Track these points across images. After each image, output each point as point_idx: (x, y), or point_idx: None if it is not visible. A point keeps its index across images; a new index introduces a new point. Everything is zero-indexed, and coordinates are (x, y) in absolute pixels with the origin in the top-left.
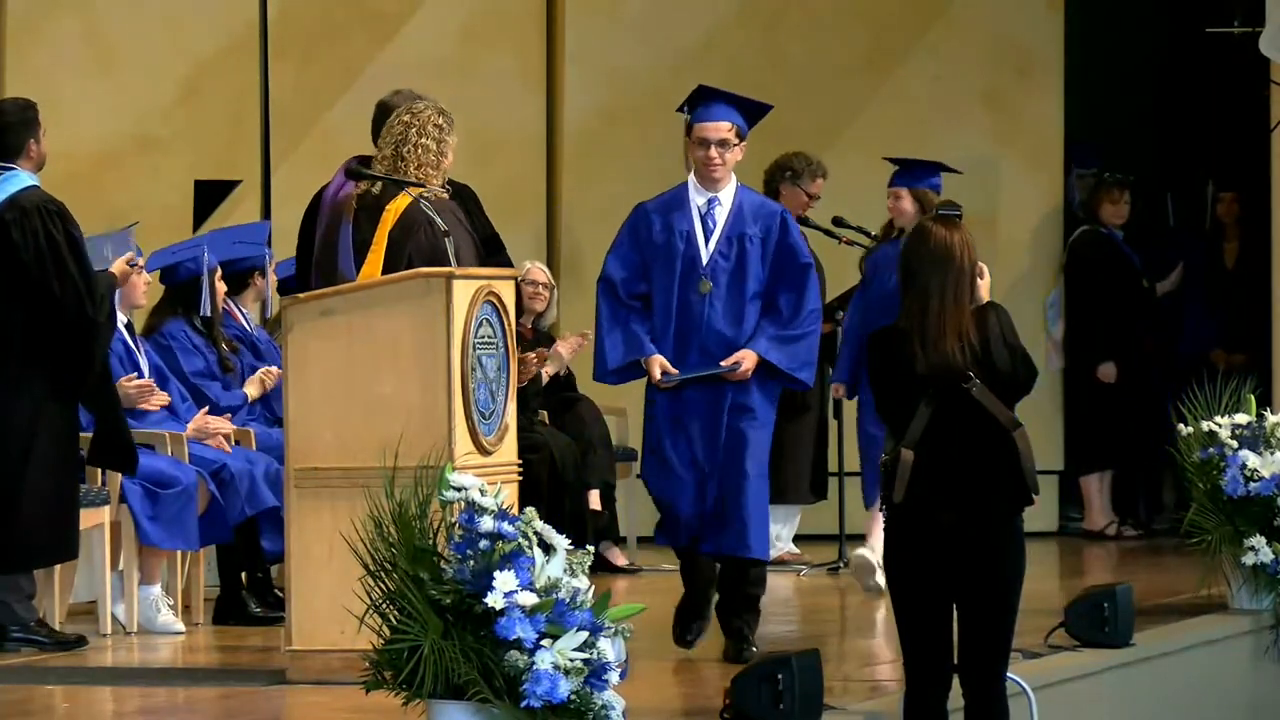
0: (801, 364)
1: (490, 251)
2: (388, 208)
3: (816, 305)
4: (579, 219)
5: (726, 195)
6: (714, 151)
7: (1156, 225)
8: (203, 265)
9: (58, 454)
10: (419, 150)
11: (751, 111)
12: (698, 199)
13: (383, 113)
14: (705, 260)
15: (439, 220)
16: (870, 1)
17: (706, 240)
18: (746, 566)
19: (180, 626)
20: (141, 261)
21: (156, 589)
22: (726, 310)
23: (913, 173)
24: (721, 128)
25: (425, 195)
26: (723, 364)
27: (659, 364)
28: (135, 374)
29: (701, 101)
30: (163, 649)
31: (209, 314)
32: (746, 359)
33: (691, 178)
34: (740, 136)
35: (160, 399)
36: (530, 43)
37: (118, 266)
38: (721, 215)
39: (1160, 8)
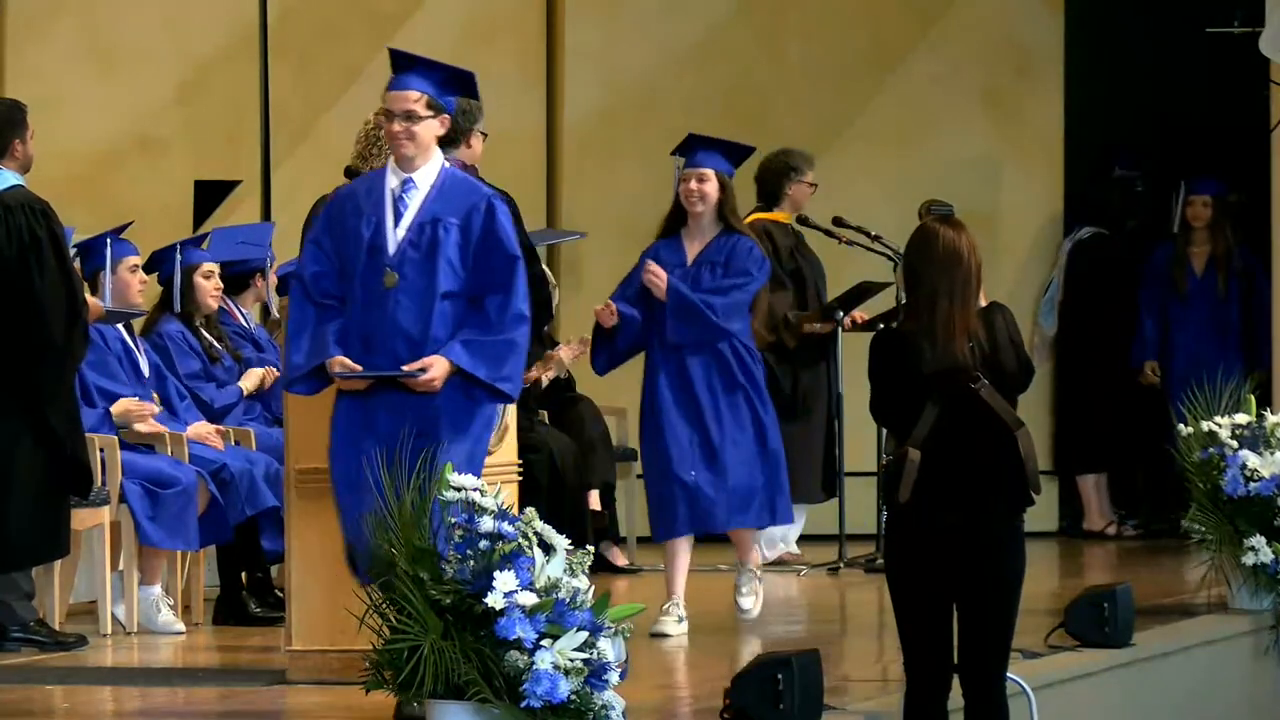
0: (504, 374)
1: (527, 263)
2: None
3: (523, 307)
4: (579, 219)
5: (425, 176)
6: (399, 125)
7: (1158, 226)
8: (175, 263)
9: (47, 451)
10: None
11: (454, 82)
12: (392, 180)
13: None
14: (392, 250)
15: None
16: (870, 1)
17: (395, 226)
18: None
19: (180, 626)
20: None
21: (157, 589)
22: (415, 307)
23: (718, 153)
24: (409, 97)
25: None
26: (405, 367)
27: (339, 361)
28: (135, 395)
29: (394, 69)
30: (163, 649)
31: (179, 309)
32: (435, 365)
33: (391, 158)
34: (436, 109)
35: (153, 412)
36: (530, 43)
37: (93, 301)
38: (415, 199)
39: (1160, 8)
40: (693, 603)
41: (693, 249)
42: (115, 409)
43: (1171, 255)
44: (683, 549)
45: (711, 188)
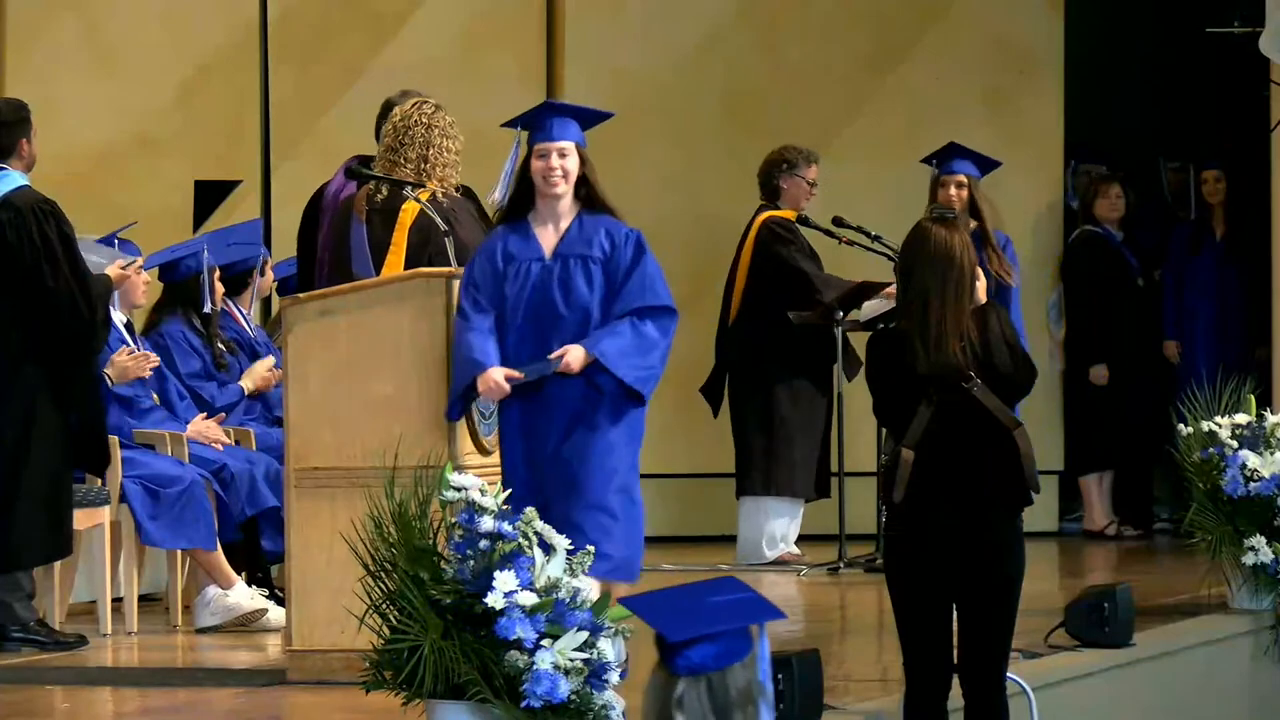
0: None
1: None
2: (403, 209)
3: None
4: None
5: None
6: None
7: (1156, 216)
8: (203, 262)
9: (51, 452)
10: (444, 153)
11: None
12: None
13: (388, 111)
14: None
15: (439, 221)
16: (870, 1)
17: None
18: None
19: (260, 603)
20: (140, 261)
21: (213, 588)
22: None
23: (574, 122)
24: None
25: (435, 195)
26: None
27: None
28: (135, 396)
29: None
30: (163, 649)
31: (210, 310)
32: None
33: None
34: None
35: (152, 362)
36: (530, 43)
37: (113, 270)
38: None
39: (1160, 8)
40: None
41: (548, 238)
42: (190, 430)
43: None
44: None
45: (573, 163)
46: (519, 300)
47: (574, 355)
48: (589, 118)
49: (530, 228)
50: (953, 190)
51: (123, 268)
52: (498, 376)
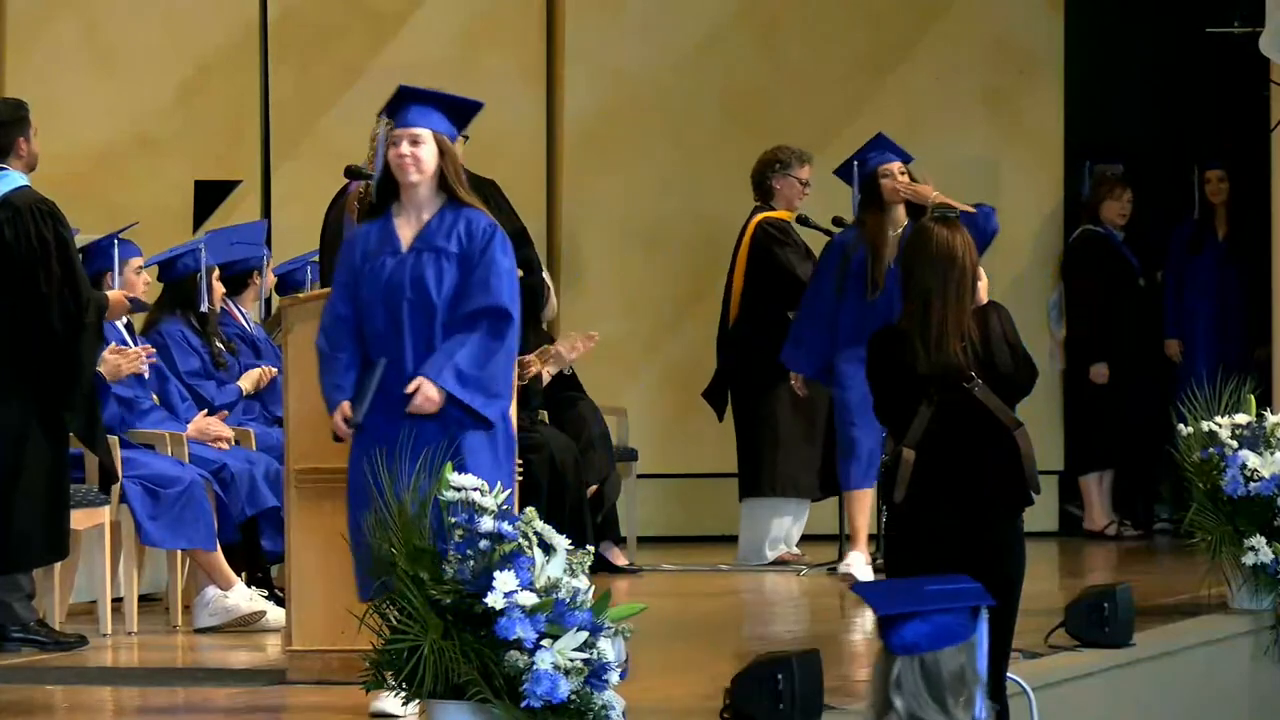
0: None
1: (517, 245)
2: None
3: None
4: (579, 219)
5: None
6: None
7: (1158, 221)
8: (200, 261)
9: (49, 454)
10: None
11: None
12: None
13: None
14: None
15: None
16: (870, 2)
17: None
18: None
19: (260, 605)
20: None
21: (212, 589)
22: None
23: (436, 110)
24: None
25: None
26: None
27: None
28: (135, 395)
29: None
30: (163, 649)
31: (207, 309)
32: None
33: None
34: None
35: (146, 357)
36: (530, 43)
37: (114, 294)
38: None
39: (1160, 8)
40: (691, 602)
41: (406, 231)
42: (191, 429)
43: (855, 243)
44: None
45: (428, 151)
46: (374, 296)
47: (426, 395)
48: (452, 105)
49: (392, 221)
50: (897, 178)
51: (128, 299)
52: (338, 419)
